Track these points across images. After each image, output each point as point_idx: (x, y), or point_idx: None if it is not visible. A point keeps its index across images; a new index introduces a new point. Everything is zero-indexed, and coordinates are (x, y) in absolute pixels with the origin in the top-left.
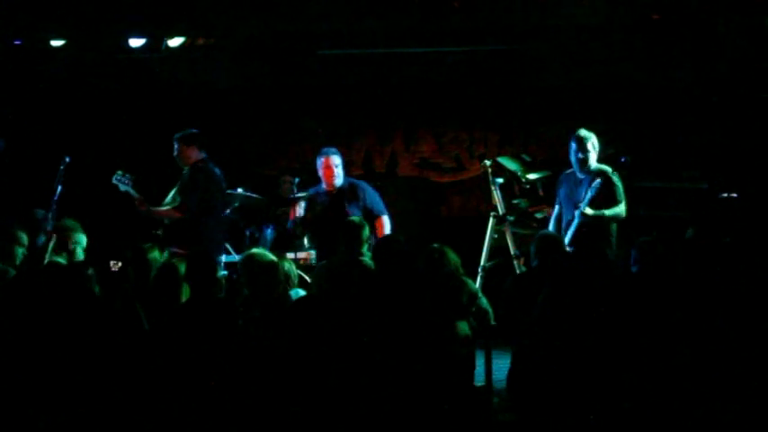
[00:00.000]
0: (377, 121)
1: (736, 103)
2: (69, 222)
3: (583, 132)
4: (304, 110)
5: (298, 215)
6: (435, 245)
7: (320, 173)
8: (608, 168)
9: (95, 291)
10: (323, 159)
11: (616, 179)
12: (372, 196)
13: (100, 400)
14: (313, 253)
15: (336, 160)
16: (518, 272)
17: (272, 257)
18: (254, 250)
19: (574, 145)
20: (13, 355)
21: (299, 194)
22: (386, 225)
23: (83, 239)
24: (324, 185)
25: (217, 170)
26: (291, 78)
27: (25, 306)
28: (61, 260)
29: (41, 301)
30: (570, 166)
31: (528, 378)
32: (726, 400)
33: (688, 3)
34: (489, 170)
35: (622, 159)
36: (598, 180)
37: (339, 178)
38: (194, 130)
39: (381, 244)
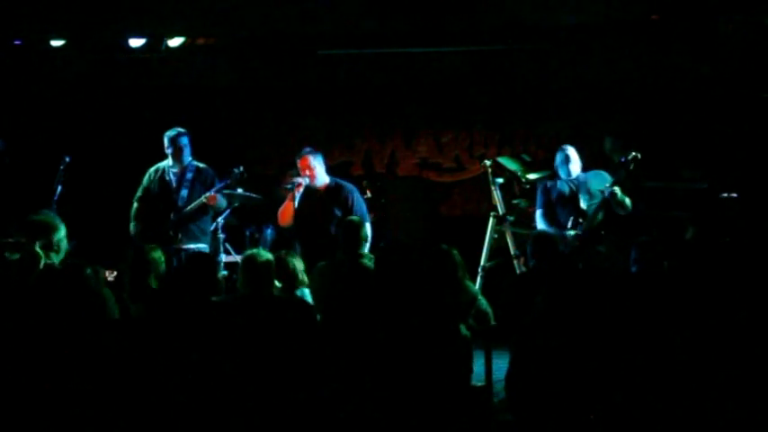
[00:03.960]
0: (377, 121)
1: (736, 103)
2: (46, 217)
3: (570, 149)
4: (304, 110)
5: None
6: (444, 246)
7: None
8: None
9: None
10: (299, 160)
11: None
12: (359, 203)
13: (98, 404)
14: None
15: (313, 161)
16: (518, 272)
17: (269, 257)
18: (254, 250)
19: (568, 164)
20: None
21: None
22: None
23: (63, 231)
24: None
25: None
26: (291, 78)
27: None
28: (54, 260)
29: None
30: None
31: (527, 378)
32: (726, 400)
33: (688, 3)
34: (489, 170)
35: (623, 159)
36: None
37: (319, 178)
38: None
39: (384, 245)
